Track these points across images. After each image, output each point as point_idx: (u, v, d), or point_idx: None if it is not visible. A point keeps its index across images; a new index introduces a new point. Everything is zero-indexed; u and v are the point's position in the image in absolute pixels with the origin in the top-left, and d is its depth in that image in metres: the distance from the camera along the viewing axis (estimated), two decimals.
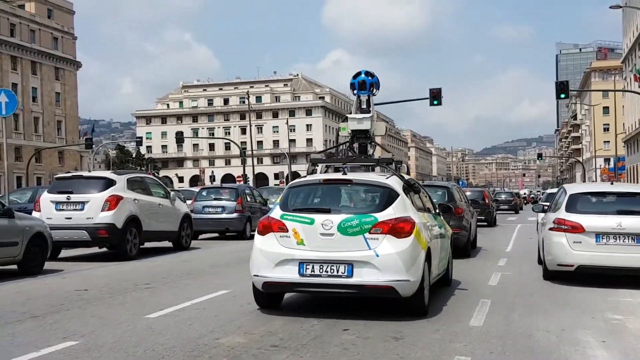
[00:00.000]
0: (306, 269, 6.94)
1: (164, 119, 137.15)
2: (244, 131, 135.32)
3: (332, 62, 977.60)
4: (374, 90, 10.59)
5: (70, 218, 13.00)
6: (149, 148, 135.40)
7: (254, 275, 7.26)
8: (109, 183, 13.45)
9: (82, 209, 13.02)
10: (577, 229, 9.72)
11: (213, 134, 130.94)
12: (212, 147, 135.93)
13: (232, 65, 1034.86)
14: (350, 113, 10.70)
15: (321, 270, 6.90)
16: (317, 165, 9.03)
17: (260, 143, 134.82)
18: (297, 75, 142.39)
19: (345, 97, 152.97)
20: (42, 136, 75.64)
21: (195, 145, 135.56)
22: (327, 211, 7.17)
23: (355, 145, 10.26)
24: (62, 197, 13.16)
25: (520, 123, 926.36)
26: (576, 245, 9.71)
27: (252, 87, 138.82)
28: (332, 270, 6.88)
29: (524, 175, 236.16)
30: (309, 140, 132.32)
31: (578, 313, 7.68)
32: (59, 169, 78.03)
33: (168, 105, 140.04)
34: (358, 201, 7.55)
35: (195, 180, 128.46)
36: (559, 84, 28.81)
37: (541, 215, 13.25)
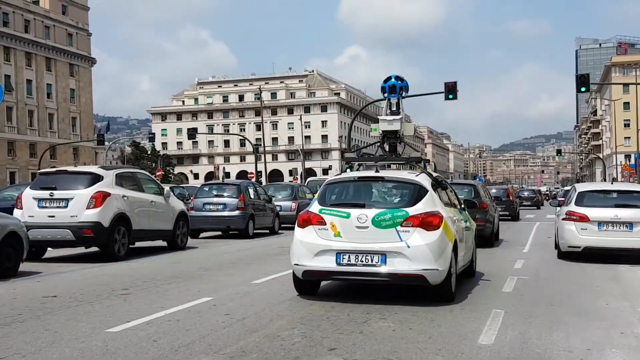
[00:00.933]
0: (343, 258, 7.52)
1: (179, 115, 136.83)
2: (258, 127, 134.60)
3: (349, 58, 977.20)
4: (403, 93, 11.23)
5: (53, 216, 12.11)
6: (164, 145, 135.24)
7: (295, 265, 7.86)
8: (96, 179, 12.56)
9: (65, 207, 12.14)
10: (583, 218, 12.43)
11: (228, 131, 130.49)
12: (227, 143, 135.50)
13: (249, 61, 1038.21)
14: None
15: (357, 260, 7.48)
16: (351, 164, 9.65)
17: (275, 139, 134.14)
18: (313, 71, 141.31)
19: (361, 93, 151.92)
20: (57, 132, 75.40)
21: (211, 142, 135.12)
22: (362, 206, 7.78)
23: (386, 145, 10.96)
24: (45, 194, 12.25)
25: (539, 119, 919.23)
26: (583, 231, 12.39)
27: (267, 83, 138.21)
28: (366, 260, 7.45)
29: (542, 172, 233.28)
30: (324, 137, 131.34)
31: (605, 327, 6.68)
32: (74, 164, 78.04)
33: (183, 102, 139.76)
34: (390, 197, 8.13)
35: (210, 177, 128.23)
36: (579, 77, 27.62)
37: (558, 208, 15.44)
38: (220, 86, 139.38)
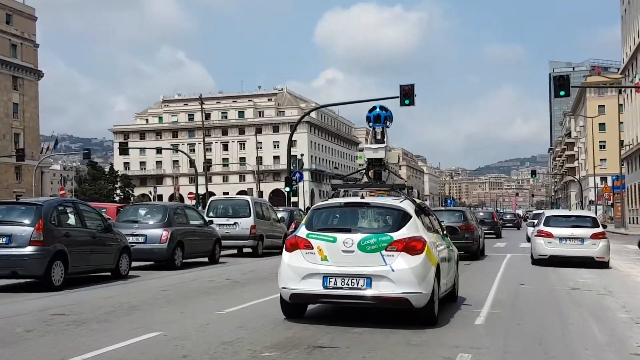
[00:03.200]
0: (329, 282, 7.75)
1: (142, 134, 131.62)
2: (225, 147, 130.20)
3: (326, 81, 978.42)
4: (388, 123, 11.64)
5: None
6: (126, 165, 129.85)
7: (282, 288, 8.05)
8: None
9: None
10: (549, 235, 17.30)
11: (194, 150, 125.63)
12: (192, 163, 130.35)
13: (226, 83, 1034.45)
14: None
15: (343, 284, 7.72)
16: (337, 190, 9.77)
17: (242, 159, 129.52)
18: (282, 89, 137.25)
19: (332, 113, 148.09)
20: None
21: (175, 162, 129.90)
22: (348, 230, 8.03)
23: (371, 172, 11.32)
24: None
25: (513, 142, 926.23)
26: (548, 244, 17.25)
27: (235, 101, 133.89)
28: (352, 283, 7.69)
29: (517, 194, 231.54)
30: (294, 157, 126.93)
31: None
32: (16, 185, 72.37)
33: (147, 120, 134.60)
34: (375, 222, 8.34)
35: (171, 199, 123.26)
36: (557, 78, 23.49)
37: (531, 228, 23.44)
38: (186, 104, 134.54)
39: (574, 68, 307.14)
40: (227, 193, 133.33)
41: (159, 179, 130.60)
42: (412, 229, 7.97)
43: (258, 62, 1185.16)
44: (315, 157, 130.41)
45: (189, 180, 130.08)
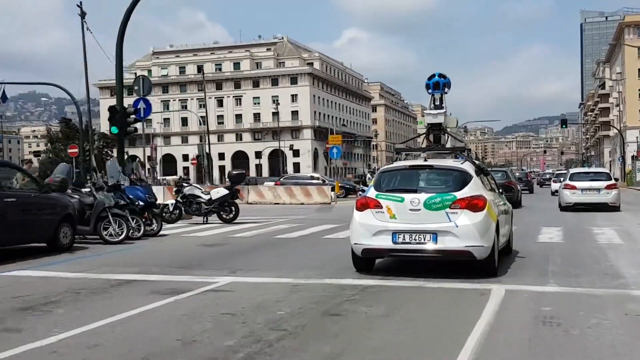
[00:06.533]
0: (398, 237, 8.38)
1: (130, 89, 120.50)
2: (220, 103, 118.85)
3: (348, 40, 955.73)
4: (446, 89, 12.14)
5: None
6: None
7: (354, 244, 8.73)
8: None
9: None
10: (573, 187, 22.69)
11: (186, 107, 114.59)
12: (184, 122, 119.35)
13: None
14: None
15: (410, 239, 8.35)
16: (401, 153, 10.85)
17: (239, 117, 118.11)
18: (282, 38, 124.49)
19: (340, 65, 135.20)
20: None
21: (166, 120, 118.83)
22: (414, 191, 8.62)
23: (431, 136, 11.89)
24: None
25: (542, 101, 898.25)
26: (572, 194, 22.59)
27: (231, 52, 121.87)
28: (419, 239, 8.32)
29: (544, 152, 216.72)
30: (295, 113, 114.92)
31: None
32: None
33: (135, 74, 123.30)
34: (438, 183, 8.89)
35: (168, 160, 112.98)
36: None
37: (555, 184, 35.64)
38: (178, 56, 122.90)
39: (606, 18, 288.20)
40: (222, 154, 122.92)
41: (148, 139, 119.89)
42: (474, 188, 8.55)
43: (280, 25, 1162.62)
44: (320, 113, 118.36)
45: (181, 140, 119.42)
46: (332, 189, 29.72)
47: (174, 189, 18.54)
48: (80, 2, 20.06)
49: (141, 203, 13.83)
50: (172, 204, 17.91)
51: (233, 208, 17.82)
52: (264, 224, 17.58)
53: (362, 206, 8.72)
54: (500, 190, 10.91)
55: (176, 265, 9.80)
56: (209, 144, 67.55)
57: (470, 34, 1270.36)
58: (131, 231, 13.01)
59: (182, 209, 17.83)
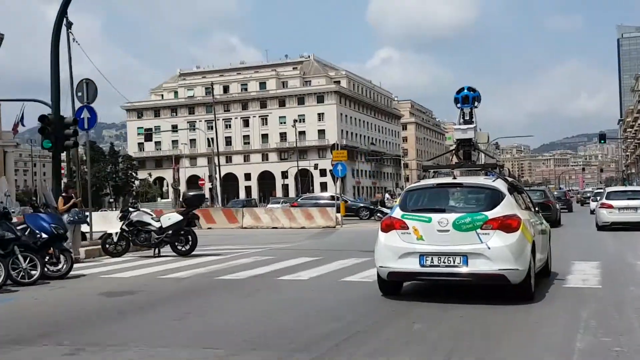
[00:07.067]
0: (426, 260, 7.90)
1: (156, 111, 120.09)
2: (247, 123, 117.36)
3: (381, 60, 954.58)
4: (476, 103, 11.70)
5: None
6: (140, 145, 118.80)
7: (380, 267, 8.29)
8: None
9: None
10: (610, 206, 21.94)
11: (212, 128, 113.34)
12: (209, 143, 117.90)
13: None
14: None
15: (439, 261, 7.84)
16: (428, 171, 10.48)
17: (265, 136, 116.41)
18: (309, 57, 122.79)
19: (369, 83, 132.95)
20: None
21: (192, 141, 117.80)
22: (442, 211, 8.15)
23: (460, 152, 11.62)
24: None
25: (579, 118, 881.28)
26: (610, 213, 21.86)
27: (257, 71, 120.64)
28: (449, 261, 7.81)
29: (583, 169, 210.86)
30: (321, 132, 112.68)
31: None
32: None
33: (162, 95, 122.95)
34: (468, 201, 8.42)
35: (193, 182, 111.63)
36: None
37: (593, 203, 33.16)
38: (204, 77, 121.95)
39: None
40: (249, 174, 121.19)
41: (175, 161, 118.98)
42: (507, 207, 8.06)
43: (311, 44, 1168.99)
44: (347, 132, 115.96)
45: (207, 161, 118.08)
46: (338, 210, 27.03)
47: (119, 215, 15.35)
48: (66, 15, 18.32)
49: (45, 235, 11.00)
50: (116, 234, 15.22)
51: (190, 237, 14.86)
52: (227, 257, 14.47)
53: (387, 227, 8.33)
54: (537, 209, 10.17)
55: (21, 335, 6.75)
56: (219, 165, 65.48)
57: (505, 49, 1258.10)
58: (21, 274, 10.30)
59: (130, 239, 15.20)
